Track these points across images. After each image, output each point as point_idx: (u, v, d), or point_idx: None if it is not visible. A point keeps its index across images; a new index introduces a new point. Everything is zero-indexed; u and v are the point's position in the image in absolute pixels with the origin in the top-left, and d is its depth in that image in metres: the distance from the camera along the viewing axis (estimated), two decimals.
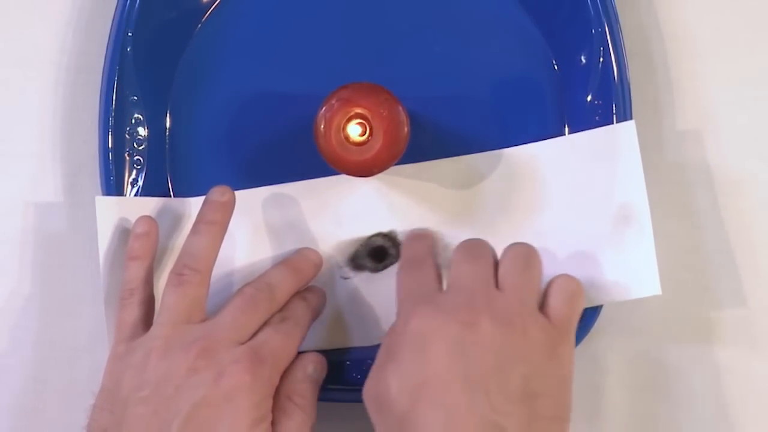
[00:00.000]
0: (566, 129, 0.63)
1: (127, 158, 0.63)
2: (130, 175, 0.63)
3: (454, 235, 0.60)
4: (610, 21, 0.61)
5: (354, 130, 0.58)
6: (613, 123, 0.61)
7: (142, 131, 0.63)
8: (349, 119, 0.57)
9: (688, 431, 0.64)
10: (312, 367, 0.57)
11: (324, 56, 0.64)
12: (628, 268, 0.59)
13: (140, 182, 0.63)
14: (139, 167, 0.63)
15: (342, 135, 0.58)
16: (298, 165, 0.63)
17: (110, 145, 0.62)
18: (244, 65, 0.64)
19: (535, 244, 0.56)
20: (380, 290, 0.60)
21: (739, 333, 0.64)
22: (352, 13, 0.64)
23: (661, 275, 0.59)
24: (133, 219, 0.60)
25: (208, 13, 0.64)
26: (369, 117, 0.57)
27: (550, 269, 0.56)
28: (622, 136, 0.60)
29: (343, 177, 0.59)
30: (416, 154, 0.62)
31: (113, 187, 0.62)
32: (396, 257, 0.59)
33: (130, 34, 0.62)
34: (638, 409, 0.64)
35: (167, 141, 0.64)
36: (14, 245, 0.65)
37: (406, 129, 0.59)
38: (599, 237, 0.59)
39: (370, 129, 0.58)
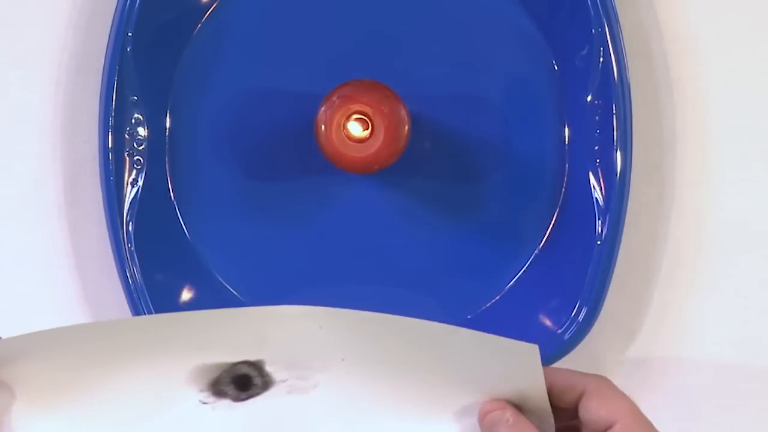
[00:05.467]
0: (566, 129, 0.64)
1: (127, 158, 0.63)
2: (130, 175, 0.63)
3: (327, 383, 0.53)
4: (610, 21, 0.61)
5: (355, 127, 0.58)
6: (613, 123, 0.61)
7: (142, 131, 0.63)
8: (350, 116, 0.57)
9: (689, 431, 0.64)
10: None
11: (323, 56, 0.64)
12: None
13: (140, 182, 0.63)
14: (139, 167, 0.63)
15: (343, 132, 0.58)
16: (299, 164, 0.63)
17: (110, 145, 0.62)
18: (244, 65, 0.64)
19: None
20: (239, 420, 0.53)
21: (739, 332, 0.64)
22: (352, 13, 0.64)
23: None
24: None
25: (208, 13, 0.64)
26: (370, 114, 0.57)
27: None
28: (525, 355, 0.50)
29: (218, 311, 0.52)
30: (416, 153, 0.63)
31: (113, 187, 0.62)
32: (261, 388, 0.53)
33: (130, 34, 0.62)
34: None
35: (167, 141, 0.64)
36: (14, 245, 0.65)
37: (406, 127, 0.59)
38: None
39: (371, 126, 0.58)
